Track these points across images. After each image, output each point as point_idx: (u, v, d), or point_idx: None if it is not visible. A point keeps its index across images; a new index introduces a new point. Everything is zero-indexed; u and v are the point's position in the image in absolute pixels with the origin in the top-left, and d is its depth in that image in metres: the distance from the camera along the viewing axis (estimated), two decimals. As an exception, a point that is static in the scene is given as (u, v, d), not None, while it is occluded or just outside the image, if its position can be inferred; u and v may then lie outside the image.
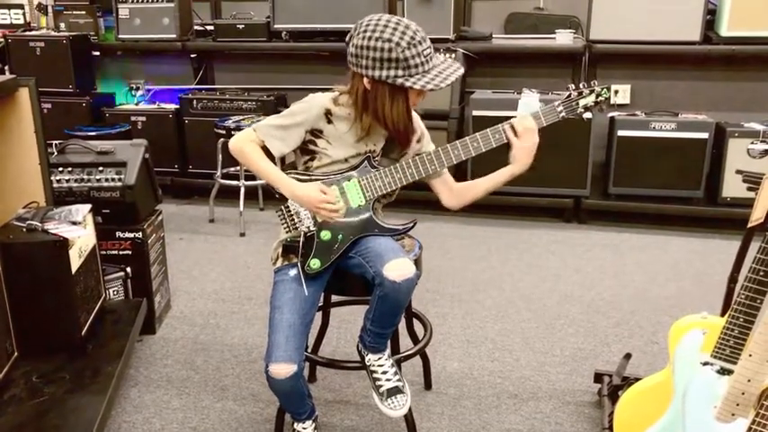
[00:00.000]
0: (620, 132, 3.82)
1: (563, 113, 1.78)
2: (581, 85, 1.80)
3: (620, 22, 3.82)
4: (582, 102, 1.78)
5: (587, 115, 1.81)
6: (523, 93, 3.87)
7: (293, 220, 1.83)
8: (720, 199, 3.75)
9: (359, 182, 1.83)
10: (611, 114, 3.94)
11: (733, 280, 1.83)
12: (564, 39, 4.09)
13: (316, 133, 1.83)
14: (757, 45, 3.71)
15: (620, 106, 4.17)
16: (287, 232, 1.86)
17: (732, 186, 3.71)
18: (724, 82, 4.10)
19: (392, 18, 1.70)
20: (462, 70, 1.76)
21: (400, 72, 1.69)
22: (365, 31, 1.69)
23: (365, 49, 1.68)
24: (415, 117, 1.89)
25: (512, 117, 1.80)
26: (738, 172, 1.89)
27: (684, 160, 3.76)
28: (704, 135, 3.72)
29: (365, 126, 1.80)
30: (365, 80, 1.73)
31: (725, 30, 3.71)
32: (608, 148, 3.92)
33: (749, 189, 1.75)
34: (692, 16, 3.72)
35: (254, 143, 1.81)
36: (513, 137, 1.78)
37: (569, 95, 1.79)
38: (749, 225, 1.68)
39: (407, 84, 1.70)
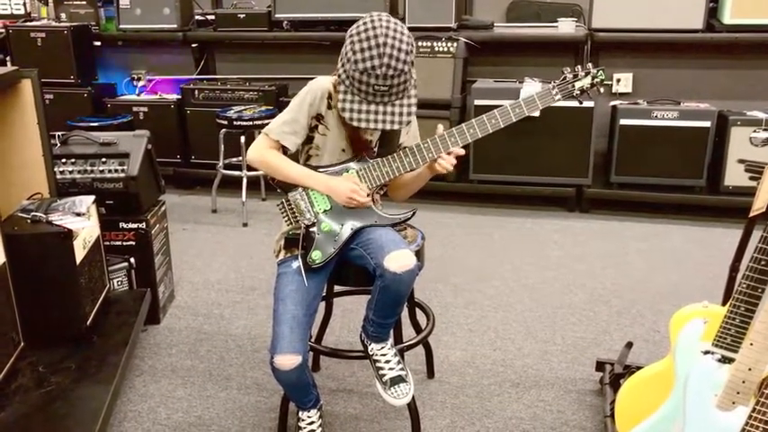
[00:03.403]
0: (623, 121, 3.80)
1: (558, 96, 1.77)
2: (576, 68, 1.78)
3: (623, 10, 3.80)
4: (577, 84, 1.77)
5: (589, 102, 1.81)
6: (525, 82, 3.86)
7: (294, 213, 1.84)
8: (722, 188, 3.76)
9: (357, 172, 1.83)
10: (613, 103, 3.93)
11: (734, 269, 1.84)
12: (566, 27, 4.07)
13: (319, 117, 1.83)
14: (760, 33, 3.70)
15: (623, 95, 4.17)
16: (288, 225, 1.87)
17: (734, 175, 3.71)
18: (726, 70, 4.09)
19: (388, 34, 1.65)
20: (403, 125, 1.75)
21: (347, 82, 1.71)
22: (357, 33, 1.68)
23: (345, 48, 1.71)
24: None
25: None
26: (740, 161, 1.89)
27: (686, 149, 3.75)
28: (706, 124, 3.71)
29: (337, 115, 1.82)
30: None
31: (728, 18, 3.70)
32: (610, 137, 3.91)
33: (751, 178, 1.75)
34: (694, 4, 3.70)
35: (271, 149, 1.83)
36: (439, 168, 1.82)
37: (564, 78, 1.77)
38: (750, 215, 1.68)
39: (339, 96, 1.72)
